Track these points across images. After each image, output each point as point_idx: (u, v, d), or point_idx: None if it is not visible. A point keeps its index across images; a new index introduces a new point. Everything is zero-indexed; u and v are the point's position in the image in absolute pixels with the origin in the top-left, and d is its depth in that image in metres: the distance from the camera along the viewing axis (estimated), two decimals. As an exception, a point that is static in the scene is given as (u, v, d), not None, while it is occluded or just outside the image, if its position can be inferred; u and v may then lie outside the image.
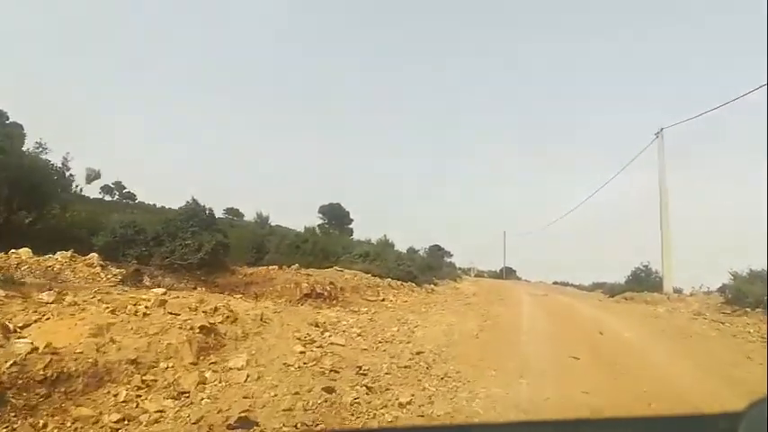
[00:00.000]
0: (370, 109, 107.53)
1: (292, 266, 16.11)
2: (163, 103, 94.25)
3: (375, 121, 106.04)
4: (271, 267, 14.91)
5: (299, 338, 7.73)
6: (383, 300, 15.50)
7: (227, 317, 7.43)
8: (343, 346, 8.00)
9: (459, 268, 71.10)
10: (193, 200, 13.48)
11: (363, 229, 70.43)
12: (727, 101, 22.10)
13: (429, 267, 36.04)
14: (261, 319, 8.14)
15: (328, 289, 14.05)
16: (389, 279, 20.27)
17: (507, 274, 70.34)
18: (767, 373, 7.76)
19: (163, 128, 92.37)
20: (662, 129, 27.72)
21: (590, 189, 53.00)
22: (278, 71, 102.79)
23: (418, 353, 8.20)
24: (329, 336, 8.29)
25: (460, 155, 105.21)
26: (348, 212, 52.80)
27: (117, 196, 63.59)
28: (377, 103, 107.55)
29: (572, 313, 16.20)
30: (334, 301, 13.91)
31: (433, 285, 26.44)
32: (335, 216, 51.79)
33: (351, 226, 52.39)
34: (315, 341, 7.80)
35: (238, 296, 10.74)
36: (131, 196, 63.67)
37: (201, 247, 11.98)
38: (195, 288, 11.76)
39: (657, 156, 27.65)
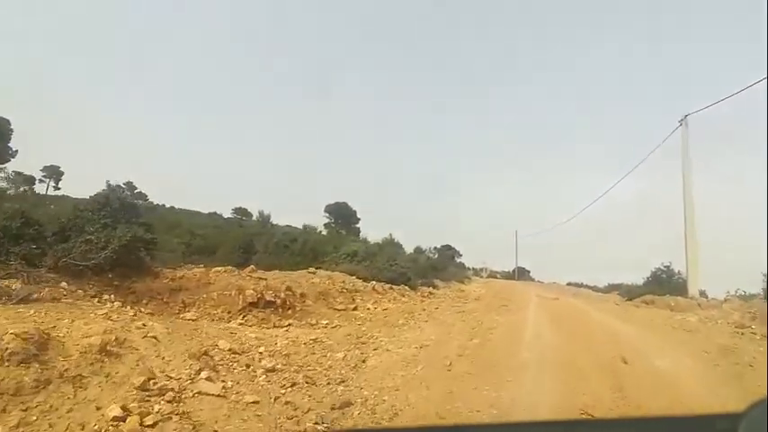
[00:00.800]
0: (378, 109, 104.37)
1: (248, 267, 13.08)
2: (167, 105, 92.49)
3: (383, 122, 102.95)
4: (216, 269, 11.91)
5: (140, 387, 4.65)
6: (355, 308, 12.39)
7: (13, 353, 4.39)
8: (217, 396, 4.90)
9: (471, 268, 67.77)
10: (108, 185, 10.55)
11: (374, 230, 67.48)
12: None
13: (433, 268, 32.85)
14: (103, 352, 5.08)
15: (283, 296, 10.99)
16: (375, 282, 17.14)
17: (521, 274, 66.44)
18: (767, 373, 7.09)
19: (170, 130, 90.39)
20: (686, 115, 24.20)
21: (602, 187, 49.27)
22: (281, 71, 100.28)
23: (343, 406, 5.09)
24: (203, 378, 5.19)
25: (475, 154, 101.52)
26: (355, 211, 49.73)
27: (129, 196, 61.56)
28: (383, 102, 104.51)
29: (586, 324, 12.90)
30: (289, 312, 10.87)
31: (432, 288, 23.24)
32: (342, 215, 48.79)
33: (358, 225, 49.41)
34: (168, 390, 4.71)
35: (102, 307, 7.66)
36: (142, 196, 61.54)
37: (108, 244, 9.04)
38: (95, 297, 8.81)
39: (681, 145, 24.13)
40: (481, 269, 71.50)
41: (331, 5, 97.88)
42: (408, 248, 44.38)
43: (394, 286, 18.43)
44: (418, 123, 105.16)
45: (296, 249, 24.20)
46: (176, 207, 57.19)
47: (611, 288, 38.89)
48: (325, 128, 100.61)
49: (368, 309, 12.97)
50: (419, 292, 19.93)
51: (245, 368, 5.96)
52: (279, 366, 6.27)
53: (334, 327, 10.24)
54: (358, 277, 17.01)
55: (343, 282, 14.65)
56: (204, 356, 5.80)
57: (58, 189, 59.60)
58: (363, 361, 7.21)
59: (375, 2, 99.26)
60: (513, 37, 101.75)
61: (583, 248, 70.15)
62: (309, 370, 6.44)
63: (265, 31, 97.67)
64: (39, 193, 58.93)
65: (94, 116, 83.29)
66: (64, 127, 79.27)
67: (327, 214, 48.29)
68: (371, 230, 62.64)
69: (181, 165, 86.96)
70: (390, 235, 39.25)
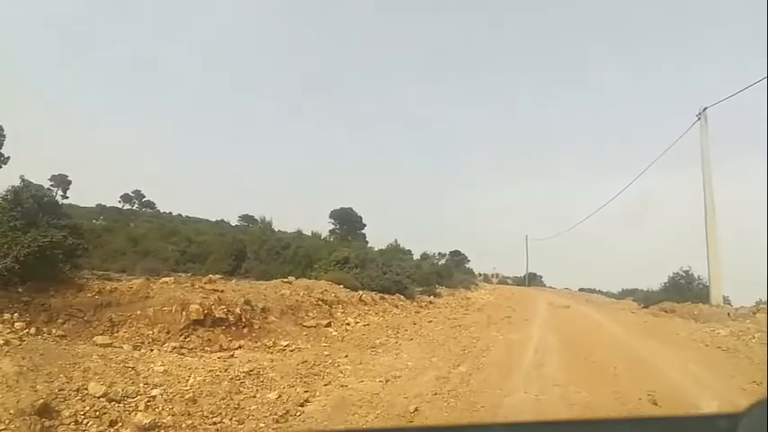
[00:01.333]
0: (387, 110, 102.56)
1: (207, 276, 11.14)
2: (179, 113, 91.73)
3: (390, 123, 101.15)
4: (164, 279, 9.99)
5: None
6: (328, 325, 10.38)
7: None
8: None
9: (482, 274, 65.44)
10: (22, 180, 8.68)
11: (385, 236, 65.33)
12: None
13: (438, 275, 30.75)
14: None
15: (238, 312, 9.05)
16: (365, 291, 15.17)
17: (532, 280, 63.66)
18: (767, 373, 6.77)
19: (181, 139, 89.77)
20: (705, 108, 21.90)
21: (612, 191, 46.68)
22: (290, 75, 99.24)
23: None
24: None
25: (485, 158, 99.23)
26: (360, 217, 47.69)
27: (137, 205, 60.42)
28: (397, 106, 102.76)
29: (600, 341, 10.78)
30: (245, 330, 8.93)
31: (432, 297, 21.17)
32: (347, 221, 46.80)
33: (363, 231, 47.37)
34: None
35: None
36: (150, 204, 60.38)
37: (11, 251, 7.20)
38: (-10, 316, 6.98)
39: (700, 140, 21.83)
40: (492, 275, 68.98)
41: (339, 9, 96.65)
42: (418, 255, 42.43)
43: (387, 296, 16.45)
44: (426, 126, 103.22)
45: (288, 256, 22.38)
46: (183, 215, 56.01)
47: (624, 293, 36.41)
48: (336, 134, 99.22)
49: (346, 324, 10.98)
50: (416, 302, 17.91)
51: (105, 428, 4.03)
52: (165, 421, 4.31)
53: (294, 350, 8.28)
54: (346, 286, 15.07)
55: (324, 292, 12.68)
56: (40, 413, 3.87)
57: (66, 198, 58.77)
58: (302, 404, 5.24)
59: (385, 8, 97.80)
60: (521, 39, 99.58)
61: (595, 253, 67.53)
62: (213, 424, 4.49)
63: (272, 35, 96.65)
64: None
65: (106, 126, 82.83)
66: (74, 136, 78.86)
67: (333, 220, 46.50)
68: (381, 236, 60.51)
69: (193, 174, 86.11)
70: (395, 240, 37.25)
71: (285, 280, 12.55)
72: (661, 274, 25.84)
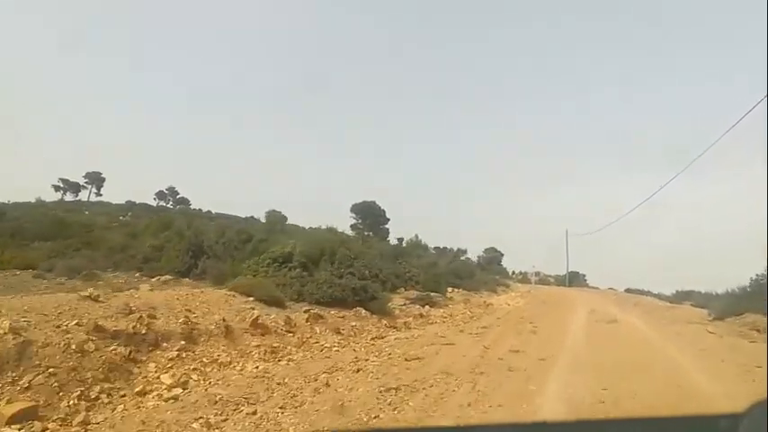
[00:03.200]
0: (424, 110, 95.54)
1: None
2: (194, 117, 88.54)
3: (421, 122, 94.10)
4: None
5: None
6: (38, 415, 4.25)
7: None
8: None
9: (521, 273, 57.85)
10: None
11: (423, 232, 58.78)
12: None
13: (456, 275, 24.09)
14: None
15: None
16: (305, 305, 9.00)
17: (574, 279, 54.69)
18: (767, 373, 6.34)
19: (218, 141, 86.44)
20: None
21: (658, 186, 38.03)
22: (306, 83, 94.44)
23: None
24: None
25: (528, 153, 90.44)
26: (384, 211, 41.44)
27: (171, 202, 56.64)
28: (425, 103, 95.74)
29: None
30: None
31: (427, 307, 14.61)
32: (370, 215, 40.69)
33: (387, 226, 41.06)
34: None
35: None
36: (185, 201, 56.38)
37: None
38: None
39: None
40: (532, 273, 60.82)
41: (347, 9, 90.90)
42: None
43: (339, 311, 10.18)
44: (459, 123, 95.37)
45: (248, 251, 16.48)
46: (214, 212, 51.43)
47: (680, 296, 28.35)
48: (367, 130, 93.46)
49: (137, 396, 4.80)
50: (389, 319, 11.48)
51: None
52: None
53: None
54: (259, 299, 8.96)
55: (174, 314, 6.58)
56: None
57: (100, 195, 55.71)
58: None
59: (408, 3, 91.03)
60: (550, 38, 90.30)
61: (641, 249, 58.31)
62: None
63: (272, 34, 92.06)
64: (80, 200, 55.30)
65: (145, 125, 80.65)
66: (106, 134, 77.14)
67: (354, 214, 40.59)
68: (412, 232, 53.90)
69: (229, 170, 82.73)
70: (416, 236, 31.05)
71: (88, 293, 6.47)
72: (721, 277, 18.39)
